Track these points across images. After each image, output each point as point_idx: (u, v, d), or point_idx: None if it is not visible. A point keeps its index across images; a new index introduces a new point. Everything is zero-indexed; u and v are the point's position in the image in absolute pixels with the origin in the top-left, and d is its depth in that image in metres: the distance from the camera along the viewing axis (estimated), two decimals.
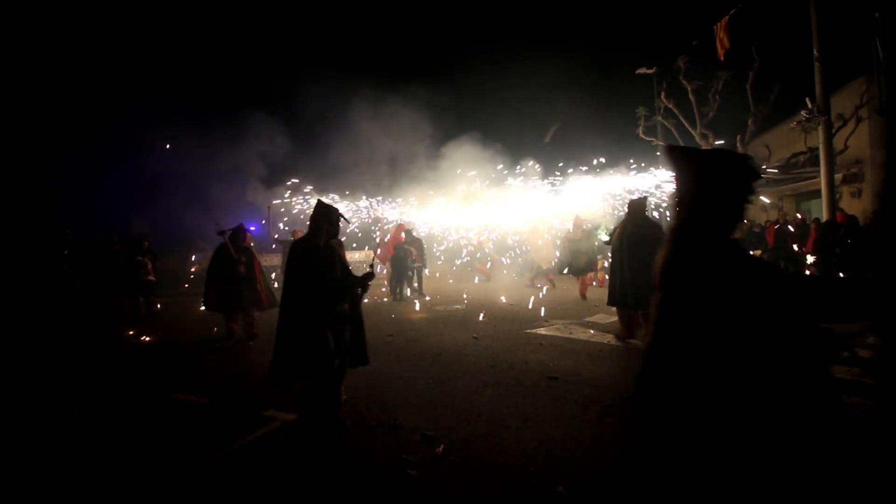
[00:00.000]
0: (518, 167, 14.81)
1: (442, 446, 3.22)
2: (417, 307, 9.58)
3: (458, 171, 14.28)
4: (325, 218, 3.77)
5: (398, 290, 10.76)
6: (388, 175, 16.03)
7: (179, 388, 4.65)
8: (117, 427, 3.80)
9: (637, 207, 6.11)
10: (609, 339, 6.34)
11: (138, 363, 5.73)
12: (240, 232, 6.97)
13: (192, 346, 6.61)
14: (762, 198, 10.76)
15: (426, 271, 12.06)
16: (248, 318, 6.75)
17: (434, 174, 14.77)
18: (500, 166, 13.98)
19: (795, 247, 9.66)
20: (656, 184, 13.37)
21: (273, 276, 12.19)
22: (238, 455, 3.25)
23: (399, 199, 16.68)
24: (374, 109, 15.12)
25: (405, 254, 10.76)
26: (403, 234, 11.54)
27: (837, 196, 10.01)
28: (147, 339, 7.03)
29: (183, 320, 8.78)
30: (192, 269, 13.51)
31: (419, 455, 3.12)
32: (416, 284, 11.25)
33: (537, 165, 14.81)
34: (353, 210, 17.04)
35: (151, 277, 9.38)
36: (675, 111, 11.92)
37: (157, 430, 3.69)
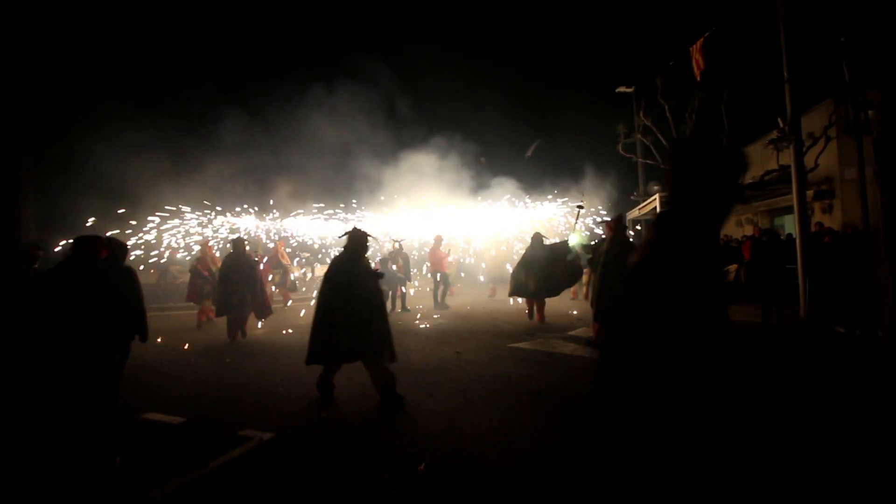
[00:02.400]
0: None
1: (424, 464, 3.15)
2: (400, 322, 9.47)
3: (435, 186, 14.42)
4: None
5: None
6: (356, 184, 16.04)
7: (149, 408, 4.47)
8: (77, 451, 3.61)
9: (538, 237, 9.14)
10: (592, 352, 6.34)
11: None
12: (362, 239, 4.82)
13: (165, 362, 6.39)
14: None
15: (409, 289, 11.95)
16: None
17: (401, 186, 14.86)
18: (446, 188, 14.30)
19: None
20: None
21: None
22: (212, 477, 3.12)
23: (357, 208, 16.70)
24: (344, 117, 15.17)
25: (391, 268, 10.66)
26: (389, 248, 11.49)
27: (809, 212, 10.31)
28: None
29: (155, 335, 8.48)
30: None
31: (401, 473, 3.04)
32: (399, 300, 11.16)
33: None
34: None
35: None
36: (654, 129, 12.20)
37: (123, 453, 3.52)
